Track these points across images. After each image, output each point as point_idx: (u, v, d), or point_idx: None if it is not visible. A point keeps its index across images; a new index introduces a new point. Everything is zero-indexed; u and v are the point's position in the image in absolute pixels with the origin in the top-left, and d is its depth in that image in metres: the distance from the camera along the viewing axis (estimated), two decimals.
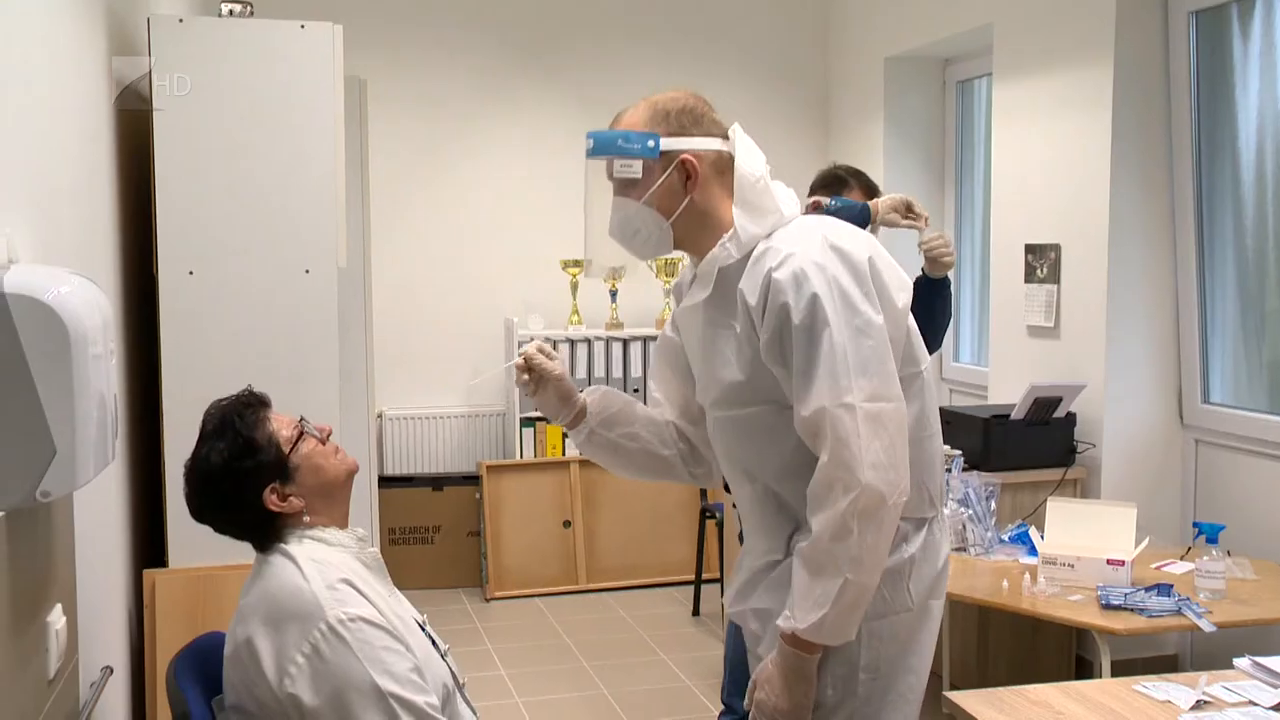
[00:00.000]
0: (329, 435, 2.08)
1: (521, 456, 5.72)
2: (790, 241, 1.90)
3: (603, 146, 1.96)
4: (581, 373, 5.78)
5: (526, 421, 5.77)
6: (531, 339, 5.68)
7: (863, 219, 3.36)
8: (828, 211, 3.52)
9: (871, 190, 3.58)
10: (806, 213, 3.53)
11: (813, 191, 3.63)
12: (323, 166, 3.09)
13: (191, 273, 3.02)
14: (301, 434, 2.03)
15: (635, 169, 1.95)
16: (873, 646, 1.94)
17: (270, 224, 3.06)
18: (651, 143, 1.93)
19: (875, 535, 1.82)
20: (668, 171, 1.94)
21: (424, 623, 2.08)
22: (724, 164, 1.97)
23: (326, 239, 3.11)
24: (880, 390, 1.83)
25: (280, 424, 2.02)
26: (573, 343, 5.77)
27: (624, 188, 1.98)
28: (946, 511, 2.10)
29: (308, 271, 3.09)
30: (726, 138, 1.99)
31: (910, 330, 1.98)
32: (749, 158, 1.98)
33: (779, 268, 1.86)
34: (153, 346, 3.06)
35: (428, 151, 5.93)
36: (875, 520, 1.81)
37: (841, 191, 3.57)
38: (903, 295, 1.94)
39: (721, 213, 1.97)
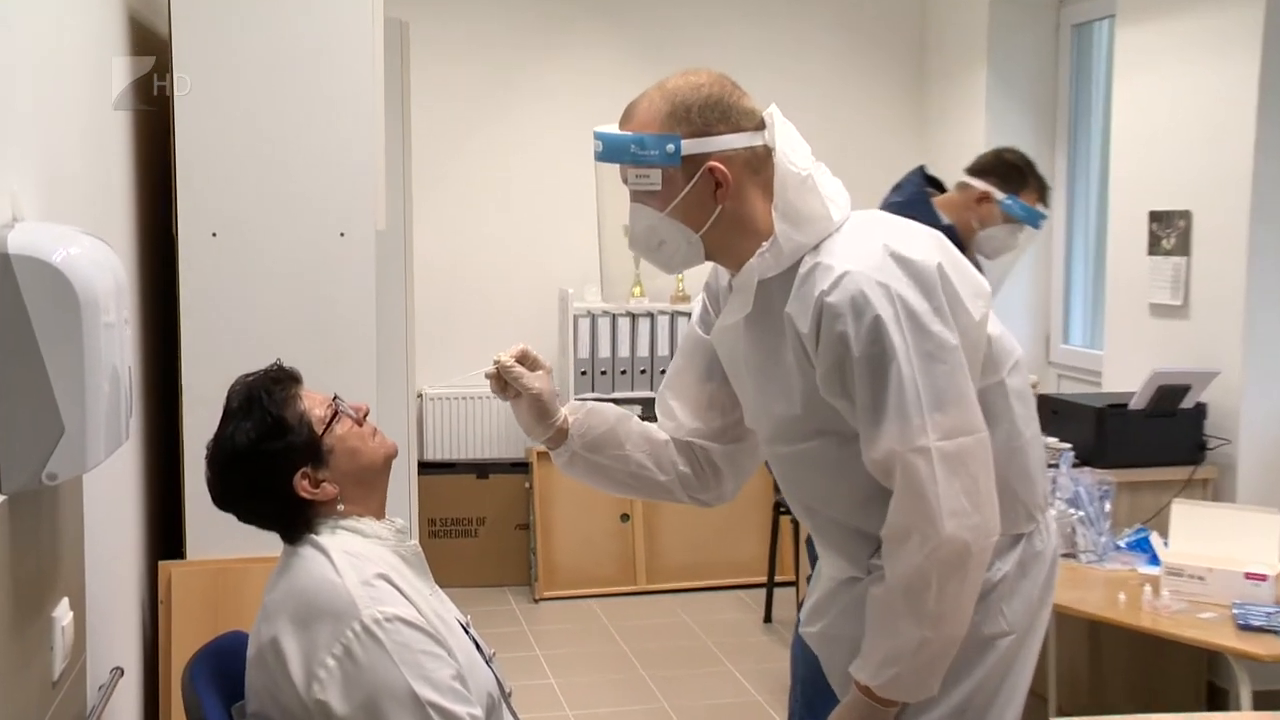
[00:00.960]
0: (365, 415, 2.07)
1: None
2: (844, 255, 1.82)
3: (614, 152, 1.88)
4: (644, 350, 5.76)
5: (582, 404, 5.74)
6: (588, 312, 5.75)
7: None
8: (1004, 209, 3.47)
9: (1043, 191, 3.52)
10: (976, 204, 3.52)
11: (979, 173, 3.55)
12: (360, 118, 3.08)
13: (215, 234, 3.02)
14: (336, 413, 2.02)
15: (654, 179, 1.85)
16: (966, 681, 1.91)
17: (302, 181, 3.06)
18: (671, 147, 1.83)
19: (959, 588, 1.78)
20: (693, 180, 1.84)
21: (467, 624, 2.07)
22: (760, 159, 1.87)
23: (364, 199, 3.10)
24: (958, 423, 1.77)
25: (312, 402, 2.02)
26: (634, 317, 5.75)
27: (643, 195, 1.89)
28: (1053, 513, 2.05)
29: (343, 234, 3.08)
30: (761, 126, 1.89)
31: (991, 338, 1.90)
32: (790, 150, 1.87)
33: (832, 290, 1.78)
34: (171, 315, 3.07)
35: (477, 102, 5.92)
36: (959, 572, 1.77)
37: (1020, 191, 3.50)
38: (979, 304, 1.86)
39: (760, 216, 1.88)
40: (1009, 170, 3.54)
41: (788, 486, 2.06)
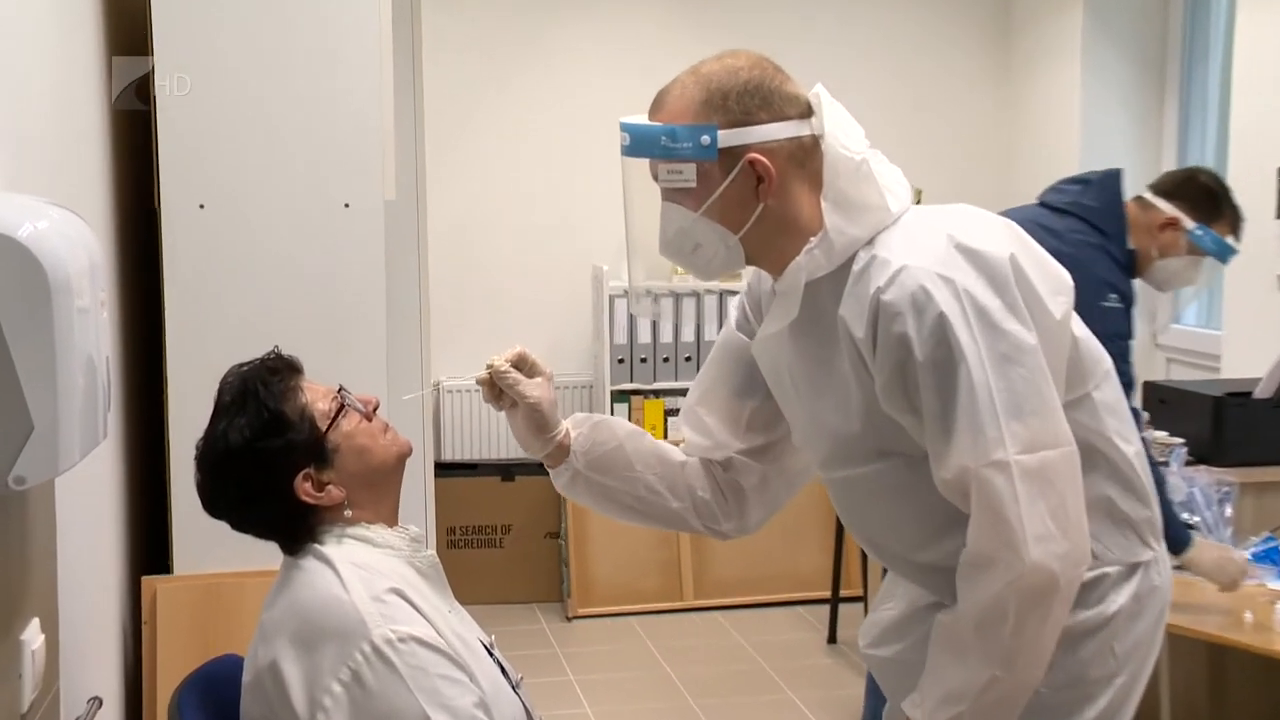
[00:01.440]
0: (375, 409, 2.08)
1: None
2: (902, 247, 1.82)
3: (642, 145, 1.89)
4: (690, 334, 5.75)
5: (620, 395, 5.75)
6: (625, 292, 5.72)
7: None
8: (1192, 240, 3.43)
9: (1237, 223, 3.49)
10: (1160, 229, 3.49)
11: (1167, 195, 3.50)
12: (366, 74, 3.08)
13: (202, 206, 3.04)
14: (342, 407, 2.03)
15: (688, 175, 1.86)
16: None
17: (300, 146, 3.06)
18: (706, 139, 1.84)
19: (1039, 626, 1.77)
20: (732, 174, 1.85)
21: (491, 646, 2.08)
22: (806, 150, 1.88)
23: (370, 165, 3.11)
24: (1040, 435, 1.76)
25: (315, 395, 2.03)
26: (678, 296, 5.74)
27: (675, 193, 1.90)
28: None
29: (347, 206, 3.09)
30: (806, 114, 1.89)
31: (1076, 341, 1.90)
32: (841, 133, 1.88)
33: (889, 286, 1.78)
34: (154, 298, 3.09)
35: (498, 54, 5.92)
36: (1042, 606, 1.76)
37: (1212, 221, 3.46)
38: (1060, 300, 1.86)
39: (806, 213, 1.88)
40: (1203, 196, 3.49)
41: (850, 517, 2.06)
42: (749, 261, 1.94)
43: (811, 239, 1.87)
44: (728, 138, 1.84)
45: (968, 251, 1.80)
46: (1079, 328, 1.92)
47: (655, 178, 1.90)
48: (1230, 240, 3.50)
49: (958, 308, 1.76)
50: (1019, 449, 1.74)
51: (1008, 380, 1.75)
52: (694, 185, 1.86)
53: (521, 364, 2.09)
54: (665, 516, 2.18)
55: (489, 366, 2.09)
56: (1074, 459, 1.80)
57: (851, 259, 1.85)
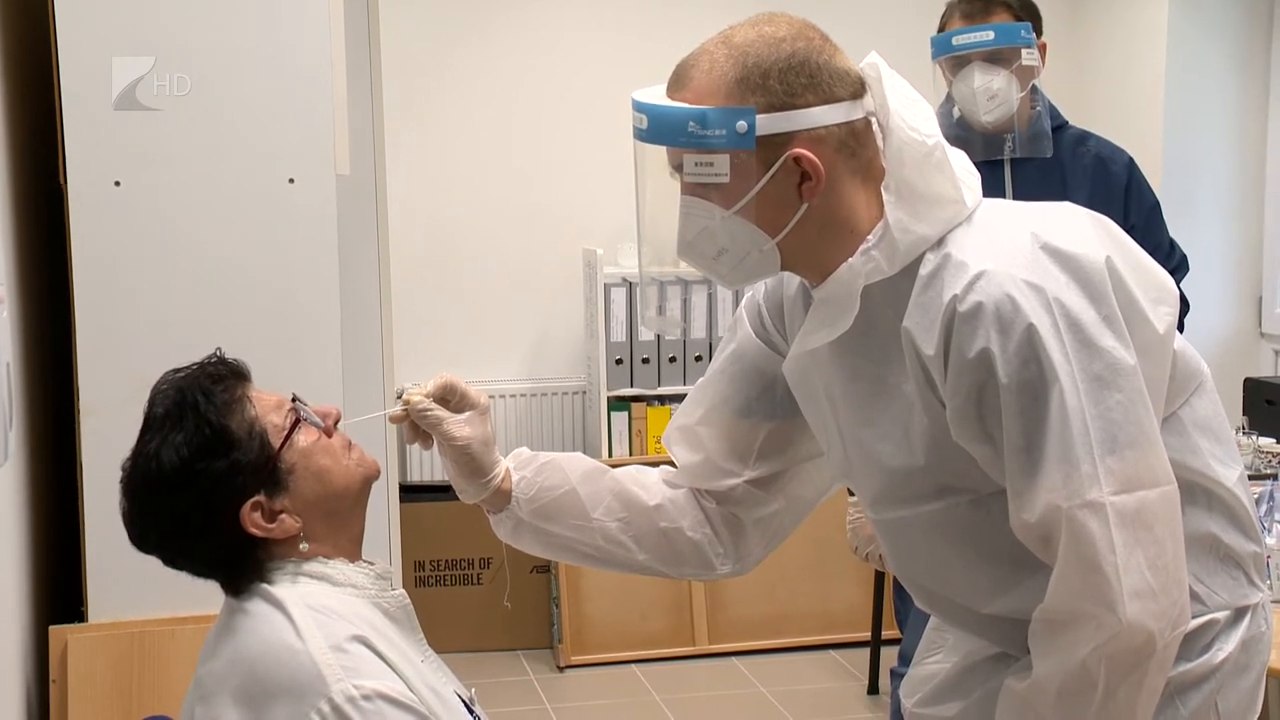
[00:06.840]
0: (336, 423, 2.08)
1: (611, 454, 5.72)
2: (979, 248, 1.83)
3: (663, 131, 1.87)
4: (700, 330, 5.74)
5: (618, 402, 5.76)
6: (624, 280, 5.73)
7: None
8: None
9: (970, 3, 3.52)
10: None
11: None
12: (312, 25, 3.10)
13: (118, 183, 3.04)
14: (297, 421, 2.03)
15: (719, 168, 1.85)
16: None
17: (235, 111, 3.07)
18: (743, 125, 1.82)
19: (1132, 696, 1.78)
20: (771, 170, 1.85)
21: (471, 701, 2.09)
22: (859, 136, 1.88)
23: (319, 134, 3.12)
24: (1139, 472, 1.77)
25: (265, 406, 2.02)
26: (686, 284, 5.73)
27: (701, 188, 1.89)
28: (1271, 540, 2.06)
29: (292, 181, 3.10)
30: (859, 93, 1.88)
31: (1175, 355, 1.91)
32: (908, 114, 1.87)
33: (966, 293, 1.79)
34: (62, 293, 3.10)
35: (471, 2, 5.93)
36: (1136, 673, 1.77)
37: (944, 27, 3.49)
38: (1163, 311, 1.86)
39: (859, 212, 1.89)
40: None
41: (902, 563, 2.07)
42: (784, 267, 1.94)
43: (868, 238, 1.87)
44: (768, 124, 1.83)
45: (1057, 254, 1.81)
46: (1177, 339, 1.93)
47: (677, 168, 1.89)
48: (958, 27, 3.47)
49: (1049, 320, 1.76)
50: (1115, 488, 1.75)
51: (1102, 407, 1.76)
52: (727, 180, 1.85)
53: (449, 395, 2.09)
54: (631, 567, 2.19)
55: (405, 403, 2.08)
56: (1174, 500, 1.80)
57: (917, 262, 1.85)
